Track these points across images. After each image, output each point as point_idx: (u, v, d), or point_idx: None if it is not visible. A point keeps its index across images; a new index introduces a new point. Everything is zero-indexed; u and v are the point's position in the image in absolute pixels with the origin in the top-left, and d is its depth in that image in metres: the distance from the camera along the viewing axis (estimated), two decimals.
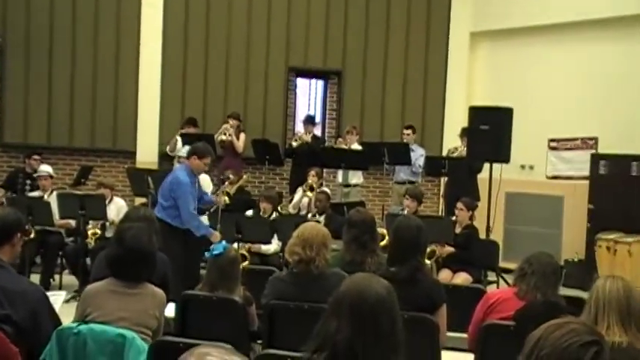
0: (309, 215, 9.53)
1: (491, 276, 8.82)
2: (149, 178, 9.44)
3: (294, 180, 11.78)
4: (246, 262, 7.68)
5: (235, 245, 7.76)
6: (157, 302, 4.20)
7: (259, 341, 4.88)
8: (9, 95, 11.85)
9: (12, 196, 9.86)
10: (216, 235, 7.69)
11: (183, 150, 9.59)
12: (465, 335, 4.74)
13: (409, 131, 11.76)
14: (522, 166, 11.81)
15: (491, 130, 9.22)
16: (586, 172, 10.94)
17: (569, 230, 11.30)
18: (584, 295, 6.75)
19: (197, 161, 7.78)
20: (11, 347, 2.91)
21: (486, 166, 9.72)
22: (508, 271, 8.62)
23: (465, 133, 10.53)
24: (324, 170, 11.41)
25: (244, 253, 8.12)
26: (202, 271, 8.06)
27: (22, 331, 3.64)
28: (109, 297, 4.11)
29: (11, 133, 11.99)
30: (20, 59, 11.95)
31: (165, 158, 11.75)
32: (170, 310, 5.00)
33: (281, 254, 8.80)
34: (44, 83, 12.09)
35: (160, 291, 4.26)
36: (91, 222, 9.05)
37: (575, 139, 11.64)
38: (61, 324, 3.99)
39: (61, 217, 9.05)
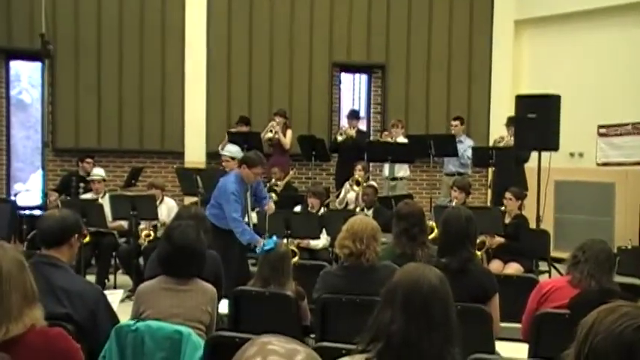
0: (357, 209, 9.54)
1: (543, 266, 8.76)
2: (198, 178, 9.50)
3: (339, 175, 11.77)
4: (296, 258, 7.70)
5: (285, 241, 7.78)
6: (208, 298, 4.24)
7: (312, 335, 4.90)
8: (60, 101, 12.01)
9: (66, 199, 10.04)
10: (260, 243, 7.65)
11: (226, 149, 9.62)
12: (518, 325, 4.71)
13: (457, 122, 11.71)
14: (571, 154, 11.67)
15: (538, 118, 9.10)
16: (637, 158, 10.79)
17: (621, 217, 11.13)
18: (638, 282, 6.69)
19: (247, 170, 7.69)
20: (73, 343, 2.97)
21: (534, 155, 9.60)
22: (559, 260, 8.54)
23: (511, 122, 10.43)
24: (370, 164, 11.41)
25: (294, 248, 8.15)
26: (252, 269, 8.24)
27: (81, 329, 3.69)
28: (162, 294, 4.16)
29: (63, 137, 12.17)
30: (70, 66, 12.13)
31: (214, 157, 11.84)
32: (223, 306, 5.07)
33: (330, 249, 8.85)
34: (93, 88, 12.27)
35: (210, 286, 4.30)
36: (142, 222, 9.16)
37: (626, 125, 11.44)
38: (118, 322, 4.04)
39: (114, 219, 9.17)
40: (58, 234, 4.03)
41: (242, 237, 7.60)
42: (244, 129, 11.46)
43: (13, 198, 11.11)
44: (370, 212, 9.10)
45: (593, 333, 1.97)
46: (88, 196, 9.95)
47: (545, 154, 9.37)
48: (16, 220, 9.14)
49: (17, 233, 8.47)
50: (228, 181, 7.77)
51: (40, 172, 13.04)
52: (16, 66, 12.91)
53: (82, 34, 12.21)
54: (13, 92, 12.98)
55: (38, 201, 11.25)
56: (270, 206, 8.09)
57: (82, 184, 10.59)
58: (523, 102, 9.61)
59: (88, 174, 10.39)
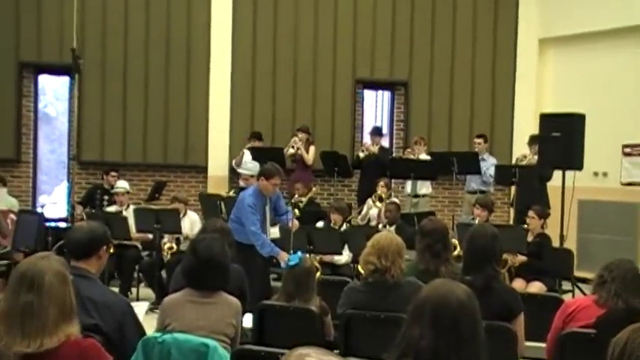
0: (380, 226, 9.54)
1: (566, 285, 8.67)
2: (221, 204, 9.52)
3: (362, 191, 11.78)
4: (318, 274, 7.71)
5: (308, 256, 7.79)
6: (233, 311, 4.25)
7: (336, 351, 4.89)
8: (86, 115, 12.11)
9: (91, 212, 10.12)
10: (282, 255, 7.59)
11: (244, 167, 9.67)
12: (542, 344, 4.68)
13: (480, 140, 11.67)
14: (595, 173, 11.58)
15: (562, 137, 9.05)
16: None
17: None
18: None
19: (265, 182, 7.72)
20: (105, 354, 3.00)
21: (558, 173, 9.55)
22: (583, 280, 8.49)
23: (534, 140, 10.39)
24: (393, 181, 11.42)
25: (316, 264, 8.16)
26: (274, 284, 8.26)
27: (109, 340, 3.71)
28: (187, 307, 4.17)
29: (89, 151, 12.26)
30: (97, 81, 12.26)
31: (236, 173, 11.91)
32: (247, 320, 5.08)
33: (352, 265, 8.85)
34: (119, 103, 12.39)
35: (235, 299, 4.31)
36: (165, 236, 9.21)
37: None
38: (145, 334, 4.05)
39: (138, 231, 9.24)
40: (87, 246, 4.07)
41: (262, 250, 7.63)
42: (257, 144, 11.51)
43: (40, 210, 11.20)
44: (392, 229, 9.08)
45: (628, 352, 1.97)
46: (112, 208, 10.03)
47: (569, 173, 9.32)
48: (42, 232, 9.20)
49: (43, 245, 8.52)
50: (246, 194, 7.81)
51: (64, 184, 13.19)
52: (42, 80, 13.04)
53: (109, 49, 12.35)
54: (39, 106, 13.12)
55: (64, 213, 11.36)
56: (295, 223, 8.09)
57: (106, 197, 10.68)
58: (547, 120, 9.56)
59: (112, 187, 10.48)
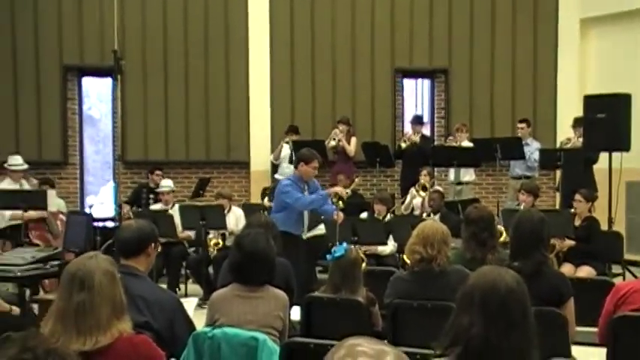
0: (424, 215, 9.51)
1: (615, 268, 8.57)
2: (265, 213, 9.55)
3: (404, 181, 11.76)
4: (364, 265, 7.71)
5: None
6: (280, 304, 4.26)
7: (384, 341, 4.89)
8: (129, 115, 12.26)
9: (137, 211, 10.24)
10: (334, 189, 8.03)
11: (282, 172, 9.73)
12: (594, 329, 4.63)
13: (523, 125, 11.55)
14: None
15: (608, 118, 8.94)
16: None
17: None
18: None
19: (305, 167, 7.72)
20: (158, 349, 3.04)
21: (604, 156, 9.42)
22: (633, 263, 8.38)
23: (578, 123, 10.27)
24: (435, 169, 11.37)
25: (361, 255, 8.15)
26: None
27: (160, 337, 3.74)
28: (235, 302, 4.20)
29: (133, 151, 12.42)
30: (138, 81, 12.40)
31: (277, 167, 11.97)
32: (295, 313, 5.10)
33: (397, 255, 8.83)
34: (160, 102, 12.51)
35: (281, 293, 4.33)
36: (211, 232, 9.28)
37: None
38: (195, 329, 4.10)
39: (184, 229, 9.31)
40: (136, 244, 4.11)
41: (319, 206, 7.77)
42: (294, 137, 11.53)
43: (88, 211, 11.37)
44: (437, 217, 9.04)
45: None
46: (158, 206, 10.13)
47: (615, 155, 9.19)
48: (91, 232, 9.33)
49: (92, 245, 8.65)
50: (282, 182, 7.86)
51: (110, 184, 13.36)
52: (86, 82, 13.20)
53: (149, 50, 12.47)
54: (84, 108, 13.30)
55: (111, 213, 11.53)
56: (340, 215, 8.10)
57: (151, 196, 10.80)
58: (592, 102, 9.44)
59: (157, 185, 10.58)
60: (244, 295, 4.23)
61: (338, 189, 8.29)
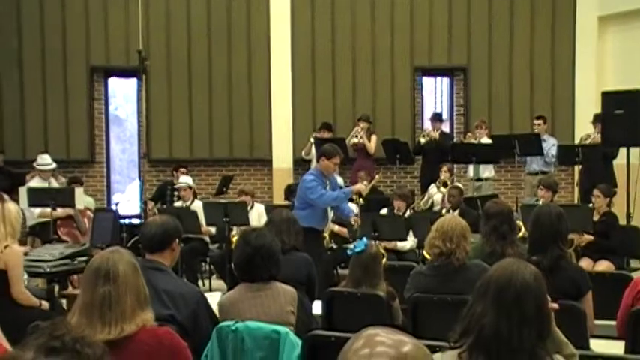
0: (443, 211, 9.48)
1: (634, 263, 8.51)
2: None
3: (424, 177, 11.76)
4: (384, 260, 7.71)
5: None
6: (289, 298, 4.23)
7: (402, 331, 4.87)
8: (154, 115, 12.33)
9: (162, 207, 10.29)
10: (357, 187, 8.10)
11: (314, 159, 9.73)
12: (612, 322, 4.60)
13: (540, 121, 11.49)
14: None
15: (626, 114, 8.87)
16: None
17: None
18: None
19: (326, 162, 7.72)
20: (181, 341, 3.06)
21: (623, 151, 9.35)
22: None
23: (597, 119, 10.19)
24: (455, 166, 11.33)
25: (381, 250, 8.16)
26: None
27: (184, 329, 3.77)
28: (245, 302, 4.16)
29: (157, 149, 12.49)
30: (163, 81, 12.46)
31: (300, 164, 11.97)
32: (316, 307, 5.11)
33: (417, 250, 8.82)
34: (184, 102, 12.56)
35: (289, 287, 4.28)
36: (234, 228, 9.30)
37: None
38: (218, 322, 4.10)
39: (207, 225, 9.34)
40: (161, 239, 4.14)
41: (341, 201, 7.83)
42: (326, 135, 11.53)
43: (114, 208, 11.45)
44: (456, 213, 9.01)
45: None
46: (179, 203, 10.17)
47: (634, 151, 9.11)
48: (117, 228, 9.40)
49: (118, 241, 8.72)
50: (306, 177, 7.82)
51: (135, 182, 13.44)
52: (112, 83, 13.29)
53: (173, 50, 12.53)
54: (110, 108, 13.39)
55: (137, 210, 11.60)
56: (357, 220, 8.13)
57: (175, 193, 10.83)
58: (609, 98, 9.37)
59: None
60: (254, 294, 4.18)
61: (360, 187, 8.29)
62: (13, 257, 5.53)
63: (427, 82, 13.44)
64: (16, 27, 12.50)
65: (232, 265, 4.52)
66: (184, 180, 10.22)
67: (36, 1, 12.49)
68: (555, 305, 2.90)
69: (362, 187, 8.39)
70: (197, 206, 9.60)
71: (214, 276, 9.58)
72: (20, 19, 12.51)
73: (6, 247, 5.52)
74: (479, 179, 11.21)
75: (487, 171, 11.30)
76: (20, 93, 12.52)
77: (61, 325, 1.53)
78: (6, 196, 6.35)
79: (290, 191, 10.71)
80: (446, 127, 12.65)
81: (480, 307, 2.59)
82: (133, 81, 12.75)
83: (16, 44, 12.50)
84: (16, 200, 7.34)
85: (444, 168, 10.51)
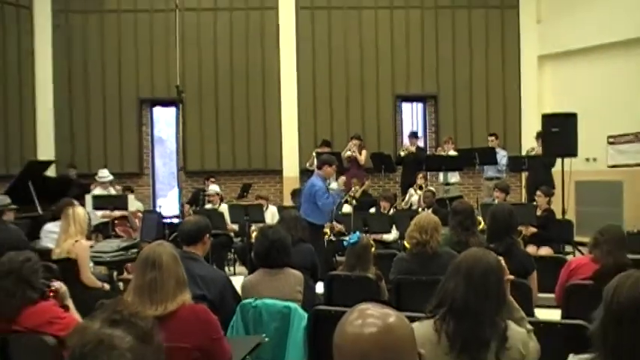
0: (420, 209, 9.47)
1: (568, 248, 8.51)
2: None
3: (404, 183, 11.71)
4: (373, 249, 7.69)
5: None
6: (298, 281, 4.22)
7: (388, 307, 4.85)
8: (189, 136, 12.30)
9: (195, 209, 10.30)
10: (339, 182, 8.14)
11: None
12: (552, 295, 4.61)
13: (492, 137, 11.51)
14: (587, 159, 11.26)
15: (560, 131, 8.89)
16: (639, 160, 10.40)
17: (628, 208, 10.73)
18: None
19: (329, 169, 7.74)
20: (212, 315, 3.06)
21: (558, 160, 9.37)
22: (581, 244, 8.29)
23: (539, 135, 10.18)
24: (428, 173, 11.33)
25: (371, 241, 8.13)
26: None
27: (214, 306, 3.73)
28: (263, 284, 4.15)
29: (192, 163, 12.45)
30: (195, 108, 12.46)
31: (305, 173, 11.96)
32: (319, 287, 5.10)
33: (399, 241, 8.79)
34: (212, 124, 12.58)
35: (298, 272, 4.26)
36: (253, 225, 9.29)
37: (629, 135, 11.10)
38: (241, 300, 4.10)
39: (232, 223, 9.33)
40: (195, 234, 4.13)
41: (334, 204, 7.85)
42: (327, 149, 11.53)
43: (158, 210, 11.46)
44: (430, 211, 8.99)
45: (618, 293, 1.99)
46: (209, 206, 10.17)
47: (566, 160, 9.13)
48: (161, 226, 9.41)
49: (162, 236, 8.72)
50: (315, 182, 7.73)
51: (174, 189, 13.45)
52: (156, 111, 13.30)
53: (204, 84, 12.55)
54: (154, 131, 13.42)
55: (176, 212, 11.61)
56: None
57: (206, 198, 10.84)
58: (548, 119, 9.38)
59: None
60: (270, 278, 4.17)
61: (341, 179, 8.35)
62: (82, 250, 5.55)
63: (405, 107, 13.40)
64: (83, 66, 12.55)
65: (252, 254, 4.52)
66: (213, 188, 10.24)
67: (98, 46, 12.54)
68: (511, 276, 2.92)
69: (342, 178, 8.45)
70: (223, 208, 9.61)
71: (237, 263, 9.56)
72: (86, 59, 12.57)
73: (76, 241, 5.55)
74: (447, 184, 11.17)
75: (454, 177, 11.27)
76: (86, 119, 12.55)
77: (121, 303, 1.55)
78: (76, 202, 6.36)
79: (294, 193, 10.71)
80: (421, 143, 12.62)
81: (452, 283, 2.59)
82: (172, 109, 12.77)
83: (83, 81, 12.55)
84: (83, 205, 7.35)
85: (420, 175, 10.48)
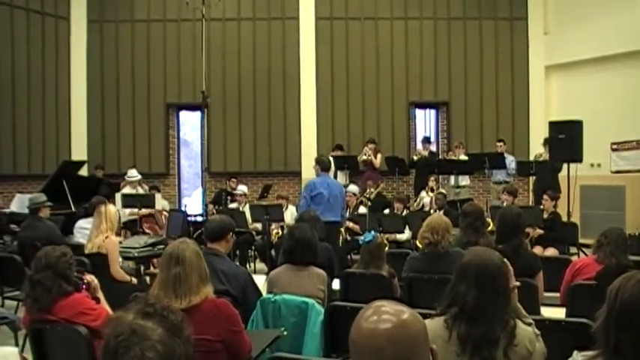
0: (431, 211, 9.44)
1: (573, 249, 8.44)
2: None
3: (416, 185, 11.71)
4: (386, 248, 7.67)
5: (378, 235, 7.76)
6: (321, 279, 4.21)
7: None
8: (213, 139, 12.35)
9: (219, 209, 10.33)
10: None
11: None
12: (557, 294, 4.58)
13: (500, 143, 11.47)
14: (592, 165, 11.19)
15: (566, 138, 8.85)
16: None
17: (630, 211, 10.66)
18: None
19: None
20: (234, 309, 3.06)
21: (564, 166, 9.31)
22: (586, 245, 8.24)
23: (546, 141, 10.14)
24: (440, 176, 11.30)
25: (384, 240, 8.12)
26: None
27: (236, 301, 3.76)
28: (287, 279, 4.16)
29: (215, 164, 12.51)
30: (219, 113, 12.51)
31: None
32: (335, 284, 5.10)
33: (411, 241, 8.76)
34: (235, 128, 12.61)
35: (322, 271, 4.26)
36: (273, 224, 9.31)
37: (632, 142, 11.03)
38: (262, 295, 4.11)
39: (253, 222, 9.34)
40: (218, 232, 4.13)
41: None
42: (339, 153, 11.54)
43: (184, 209, 11.52)
44: (441, 212, 8.97)
45: (621, 293, 1.98)
46: (233, 205, 10.18)
47: (572, 166, 9.07)
48: (185, 224, 9.45)
49: (186, 233, 8.77)
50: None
51: (199, 190, 13.50)
52: (182, 115, 13.37)
53: (227, 90, 12.60)
54: (180, 134, 13.50)
55: (200, 210, 11.65)
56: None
57: (229, 198, 10.87)
58: (555, 126, 9.35)
59: (233, 190, 10.65)
60: (294, 274, 4.18)
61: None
62: (112, 245, 5.60)
63: (419, 113, 13.36)
64: (115, 72, 12.66)
65: (272, 251, 4.53)
66: (241, 188, 10.26)
67: (129, 53, 12.64)
68: (517, 283, 2.90)
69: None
70: (245, 207, 9.63)
71: (257, 260, 9.56)
72: (118, 66, 12.66)
73: (107, 237, 5.60)
74: (458, 187, 11.15)
75: (464, 180, 11.24)
76: (117, 122, 12.66)
77: (152, 296, 1.57)
78: (106, 200, 6.42)
79: None
80: (433, 147, 12.60)
81: (462, 286, 2.56)
82: (197, 114, 12.82)
83: (114, 87, 12.65)
84: (113, 203, 7.41)
85: (432, 178, 10.46)
